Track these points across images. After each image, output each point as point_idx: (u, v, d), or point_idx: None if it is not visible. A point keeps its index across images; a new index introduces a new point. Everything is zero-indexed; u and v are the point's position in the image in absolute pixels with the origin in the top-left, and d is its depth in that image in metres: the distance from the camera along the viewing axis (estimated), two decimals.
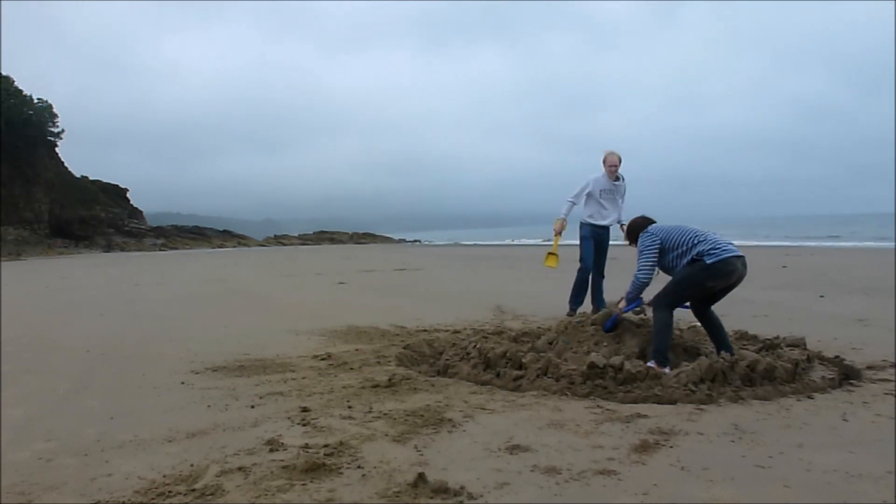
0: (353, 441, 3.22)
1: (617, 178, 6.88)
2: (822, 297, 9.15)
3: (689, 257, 4.40)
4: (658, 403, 3.82)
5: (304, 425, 3.53)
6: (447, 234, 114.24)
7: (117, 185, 78.77)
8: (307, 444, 3.20)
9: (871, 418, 3.52)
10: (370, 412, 3.75)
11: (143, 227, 76.88)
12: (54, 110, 66.04)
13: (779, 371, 4.13)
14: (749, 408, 3.73)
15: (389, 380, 4.41)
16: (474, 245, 51.99)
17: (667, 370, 4.17)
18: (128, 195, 79.60)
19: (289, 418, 3.68)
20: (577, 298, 7.06)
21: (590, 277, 7.05)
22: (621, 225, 6.84)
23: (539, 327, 6.07)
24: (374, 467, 2.88)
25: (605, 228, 7.06)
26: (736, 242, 4.70)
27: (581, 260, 7.10)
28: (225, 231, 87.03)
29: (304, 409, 3.82)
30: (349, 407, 3.87)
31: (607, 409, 3.73)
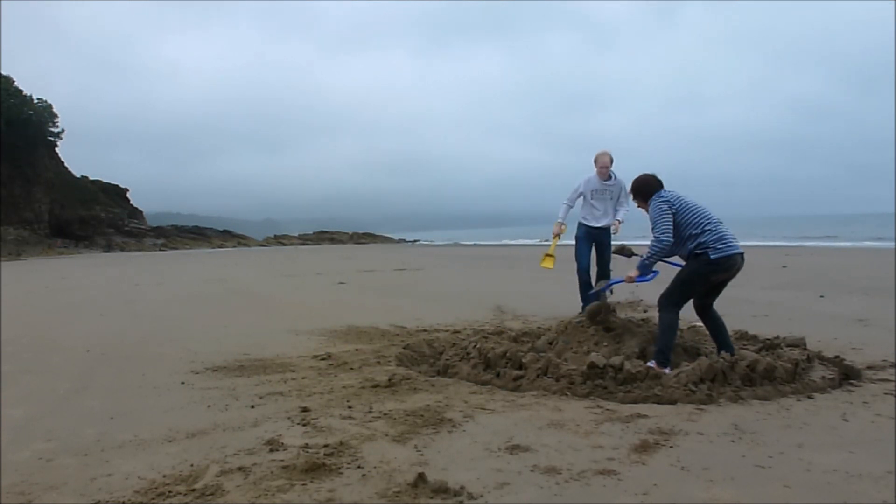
0: (353, 441, 3.22)
1: (608, 178, 6.88)
2: (822, 297, 9.14)
3: (694, 244, 4.36)
4: (658, 403, 3.82)
5: (304, 425, 3.53)
6: (447, 234, 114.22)
7: (117, 185, 78.80)
8: (307, 444, 3.20)
9: (871, 418, 3.52)
10: (370, 412, 3.75)
11: (143, 227, 76.88)
12: (54, 110, 66.21)
13: (779, 371, 4.13)
14: (749, 408, 3.73)
15: (389, 380, 4.41)
16: (474, 245, 51.99)
17: (667, 370, 4.17)
18: (128, 195, 79.63)
19: (289, 418, 3.68)
20: (586, 301, 7.06)
21: (589, 275, 7.05)
22: (615, 224, 6.87)
23: (539, 327, 6.07)
24: (374, 467, 2.88)
25: (601, 230, 7.05)
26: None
27: (576, 260, 7.13)
28: (225, 231, 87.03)
29: (304, 409, 3.82)
30: (349, 407, 3.87)
31: (607, 409, 3.74)
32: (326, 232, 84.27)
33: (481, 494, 2.57)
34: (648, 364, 4.24)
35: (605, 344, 4.67)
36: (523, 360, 4.45)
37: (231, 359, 5.49)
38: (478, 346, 4.91)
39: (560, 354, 4.63)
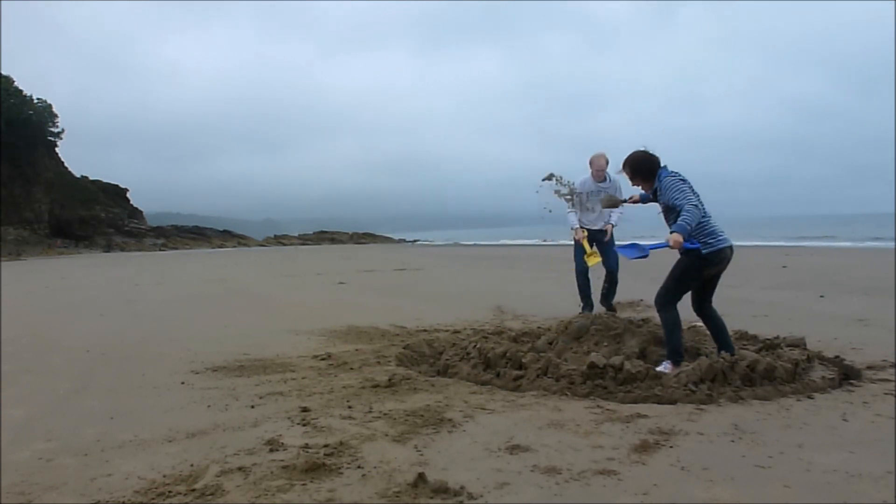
0: (353, 441, 3.22)
1: (603, 180, 6.89)
2: (822, 297, 9.14)
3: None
4: (658, 403, 3.82)
5: (304, 425, 3.53)
6: (447, 234, 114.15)
7: (117, 185, 78.80)
8: (307, 444, 3.20)
9: (871, 418, 3.52)
10: (370, 412, 3.75)
11: (143, 227, 76.88)
12: (54, 110, 66.24)
13: (779, 371, 4.13)
14: (749, 408, 3.73)
15: (389, 380, 4.41)
16: (474, 245, 51.99)
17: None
18: (128, 195, 79.64)
19: (289, 418, 3.68)
20: (585, 301, 7.07)
21: (588, 278, 7.06)
22: (608, 227, 6.89)
23: (539, 327, 6.07)
24: (374, 467, 2.88)
25: (598, 231, 7.06)
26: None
27: (574, 262, 7.15)
28: (225, 231, 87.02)
29: (304, 409, 3.82)
30: (349, 407, 3.87)
31: (607, 409, 3.74)
32: (326, 232, 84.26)
33: (481, 494, 2.57)
34: (664, 364, 4.26)
35: (605, 344, 4.67)
36: (523, 360, 4.45)
37: (231, 359, 5.49)
38: (478, 346, 4.91)
39: (560, 354, 4.63)
